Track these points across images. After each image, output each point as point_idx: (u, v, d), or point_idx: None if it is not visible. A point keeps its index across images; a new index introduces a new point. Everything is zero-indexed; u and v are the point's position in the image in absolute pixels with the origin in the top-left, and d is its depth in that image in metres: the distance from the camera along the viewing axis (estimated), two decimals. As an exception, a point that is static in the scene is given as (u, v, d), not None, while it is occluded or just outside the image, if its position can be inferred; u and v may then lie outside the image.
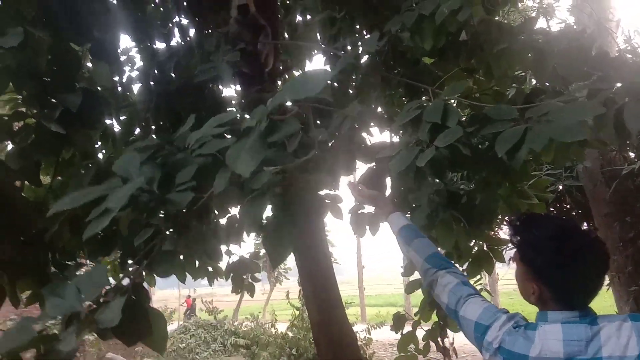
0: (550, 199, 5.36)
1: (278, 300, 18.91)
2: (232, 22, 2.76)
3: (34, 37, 1.82)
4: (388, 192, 2.74)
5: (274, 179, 1.26)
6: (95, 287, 1.20)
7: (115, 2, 2.99)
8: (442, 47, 2.60)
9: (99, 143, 3.01)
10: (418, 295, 3.61)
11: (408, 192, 2.58)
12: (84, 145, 2.23)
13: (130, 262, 2.63)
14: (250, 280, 4.27)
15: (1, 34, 1.75)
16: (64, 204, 1.36)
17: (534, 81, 4.04)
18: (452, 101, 2.13)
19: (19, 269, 2.55)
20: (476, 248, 3.38)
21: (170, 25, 3.64)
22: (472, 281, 4.36)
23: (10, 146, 2.40)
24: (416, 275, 3.50)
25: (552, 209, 6.77)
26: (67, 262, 2.67)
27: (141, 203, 1.36)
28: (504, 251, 3.51)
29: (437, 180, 2.18)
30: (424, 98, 3.31)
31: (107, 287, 1.36)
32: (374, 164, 2.74)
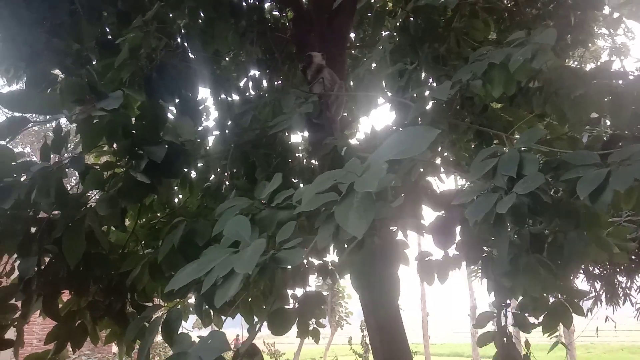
0: (632, 248, 5.02)
1: (339, 345, 18.56)
2: (306, 73, 2.89)
3: (128, 97, 2.00)
4: (457, 239, 2.69)
5: (372, 229, 1.27)
6: (215, 352, 1.22)
7: (194, 57, 3.23)
8: (513, 94, 2.59)
9: (175, 188, 3.19)
10: (489, 346, 3.44)
11: (482, 240, 2.52)
12: (165, 193, 2.37)
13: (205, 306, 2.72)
14: (315, 325, 4.27)
15: (102, 95, 1.94)
16: (185, 276, 1.41)
17: (608, 122, 3.90)
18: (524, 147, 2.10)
19: (100, 309, 2.71)
20: (552, 299, 3.21)
21: (245, 78, 3.87)
22: (546, 335, 4.12)
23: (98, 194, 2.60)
24: (488, 328, 3.36)
25: (633, 256, 6.32)
26: (144, 304, 2.80)
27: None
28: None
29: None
30: (495, 142, 3.28)
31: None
32: (442, 212, 2.72)
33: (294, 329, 4.36)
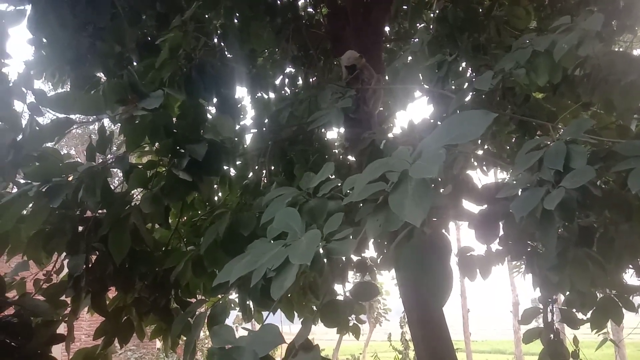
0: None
1: (377, 342, 18.49)
2: (343, 70, 2.87)
3: (169, 97, 2.03)
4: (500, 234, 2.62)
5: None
6: (269, 345, 1.22)
7: (231, 56, 3.26)
8: (557, 83, 2.50)
9: (215, 186, 3.23)
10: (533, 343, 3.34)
11: (527, 235, 2.44)
12: (206, 191, 2.40)
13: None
14: (355, 321, 4.26)
15: (142, 95, 1.98)
16: (237, 270, 1.41)
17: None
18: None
19: (146, 305, 2.78)
20: (601, 295, 3.10)
21: (281, 76, 3.89)
22: (594, 332, 3.99)
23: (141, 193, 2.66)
24: (534, 324, 3.27)
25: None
26: (187, 300, 2.86)
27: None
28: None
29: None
30: (538, 133, 3.17)
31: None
32: (485, 206, 2.65)
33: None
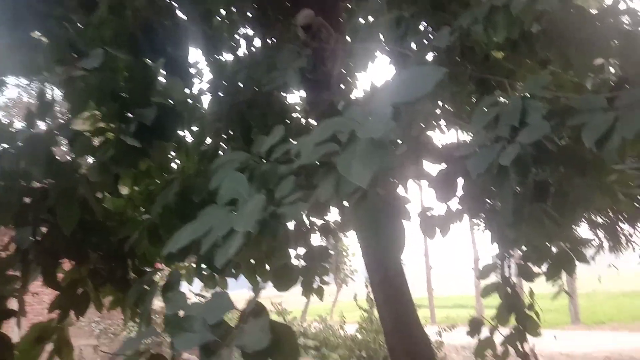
0: (637, 194, 4.97)
1: (345, 302, 18.90)
2: (299, 30, 2.77)
3: (112, 57, 1.91)
4: (459, 193, 2.64)
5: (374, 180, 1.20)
6: (219, 313, 1.17)
7: (184, 17, 3.09)
8: (515, 40, 2.48)
9: (173, 154, 3.12)
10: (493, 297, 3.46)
11: (485, 192, 2.47)
12: (159, 157, 2.31)
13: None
14: (319, 283, 4.30)
15: (84, 55, 1.85)
16: (183, 238, 1.35)
17: (613, 70, 3.81)
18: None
19: (102, 276, 2.70)
20: (555, 249, 3.21)
21: (237, 36, 3.72)
22: (550, 284, 4.14)
23: (90, 161, 2.54)
24: (492, 279, 3.37)
25: (636, 204, 6.30)
26: (146, 269, 2.79)
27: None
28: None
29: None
30: (497, 93, 3.18)
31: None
32: (444, 165, 2.66)
33: (300, 289, 4.41)
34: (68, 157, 2.48)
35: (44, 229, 2.45)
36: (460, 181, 2.58)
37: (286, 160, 1.64)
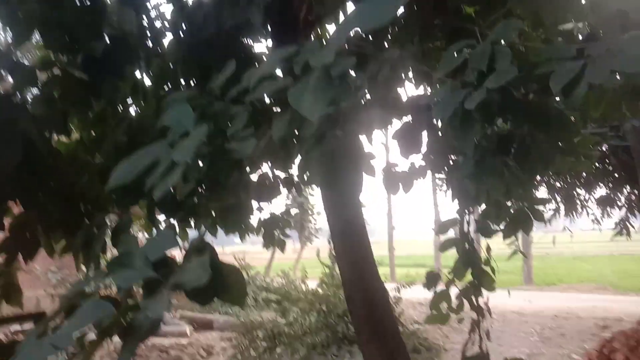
0: (596, 157, 5.10)
1: (308, 259, 19.19)
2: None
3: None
4: (424, 148, 2.61)
5: (332, 121, 1.14)
6: (161, 249, 1.10)
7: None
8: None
9: (130, 99, 2.96)
10: (448, 257, 3.52)
11: (448, 148, 2.45)
12: (111, 95, 2.17)
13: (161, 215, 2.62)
14: (280, 236, 4.29)
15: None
16: (124, 173, 1.26)
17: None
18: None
19: (52, 220, 2.58)
20: (513, 209, 3.25)
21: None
22: (507, 241, 4.25)
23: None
24: (450, 234, 3.41)
25: (596, 167, 6.49)
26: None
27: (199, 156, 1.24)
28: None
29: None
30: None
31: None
32: (409, 118, 2.61)
33: (261, 241, 4.38)
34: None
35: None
36: (425, 136, 2.55)
37: (242, 100, 1.56)
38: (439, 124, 2.33)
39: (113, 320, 0.99)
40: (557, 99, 2.01)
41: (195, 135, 1.17)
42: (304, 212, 23.59)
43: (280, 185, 4.29)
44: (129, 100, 2.92)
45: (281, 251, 4.22)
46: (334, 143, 1.33)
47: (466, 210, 3.16)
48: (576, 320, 11.29)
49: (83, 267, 2.60)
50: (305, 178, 3.73)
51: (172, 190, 2.04)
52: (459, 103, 1.45)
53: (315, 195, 26.50)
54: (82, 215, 2.64)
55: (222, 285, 1.08)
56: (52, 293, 9.33)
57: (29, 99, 2.24)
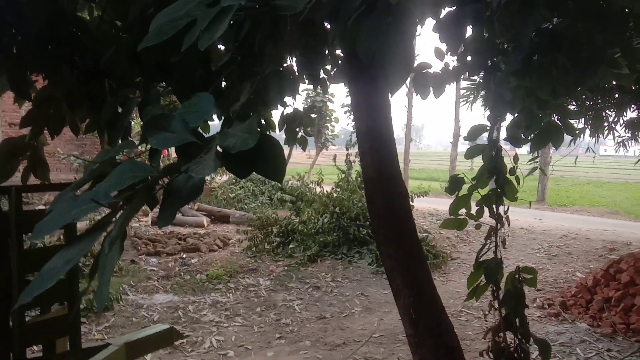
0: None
1: (323, 166, 19.36)
2: None
3: None
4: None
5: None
6: (200, 115, 1.03)
7: None
8: None
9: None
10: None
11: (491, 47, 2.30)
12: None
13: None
14: (302, 134, 4.25)
15: None
16: (156, 33, 1.10)
17: None
18: None
19: (78, 96, 2.54)
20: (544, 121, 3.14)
21: None
22: (530, 157, 4.15)
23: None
24: (479, 140, 3.33)
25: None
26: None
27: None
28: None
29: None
30: None
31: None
32: (454, 7, 2.43)
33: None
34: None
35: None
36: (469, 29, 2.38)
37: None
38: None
39: (152, 181, 0.97)
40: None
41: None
42: (322, 117, 23.43)
43: (306, 80, 4.19)
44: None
45: (303, 149, 4.20)
46: (387, 9, 1.19)
47: (498, 117, 3.05)
48: (584, 241, 11.45)
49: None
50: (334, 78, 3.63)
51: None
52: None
53: (334, 102, 26.16)
54: (106, 93, 2.60)
55: (262, 156, 1.04)
56: (75, 177, 9.61)
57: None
